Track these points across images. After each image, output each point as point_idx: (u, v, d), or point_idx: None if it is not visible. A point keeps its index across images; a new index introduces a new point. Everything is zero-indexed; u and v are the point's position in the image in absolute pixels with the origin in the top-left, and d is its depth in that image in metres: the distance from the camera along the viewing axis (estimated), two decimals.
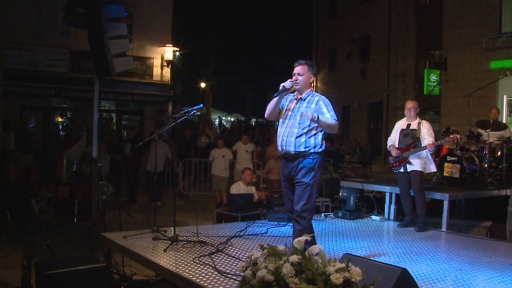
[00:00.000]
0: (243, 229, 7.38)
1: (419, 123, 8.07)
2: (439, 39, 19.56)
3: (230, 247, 6.27)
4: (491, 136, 10.04)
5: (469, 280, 5.15)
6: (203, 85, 37.34)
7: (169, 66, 18.37)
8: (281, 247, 4.05)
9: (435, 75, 19.00)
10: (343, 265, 3.69)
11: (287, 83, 5.59)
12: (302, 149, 5.48)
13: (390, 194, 9.25)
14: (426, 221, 8.04)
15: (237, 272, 5.03)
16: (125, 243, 6.23)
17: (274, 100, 5.64)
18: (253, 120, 44.11)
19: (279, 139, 5.64)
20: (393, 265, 4.21)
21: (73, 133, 19.47)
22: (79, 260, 5.63)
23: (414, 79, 22.18)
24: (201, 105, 6.82)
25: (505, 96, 18.06)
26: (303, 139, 5.49)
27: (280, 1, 41.02)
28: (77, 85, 17.56)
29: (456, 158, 9.82)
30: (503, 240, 7.88)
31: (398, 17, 22.92)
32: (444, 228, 8.11)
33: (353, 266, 3.69)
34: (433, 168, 8.20)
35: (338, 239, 7.13)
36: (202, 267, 5.22)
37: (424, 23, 21.52)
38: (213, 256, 5.68)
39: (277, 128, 5.90)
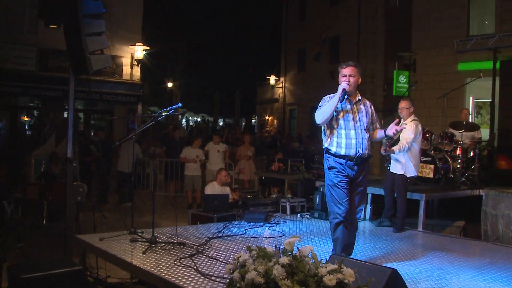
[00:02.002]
0: (221, 230, 7.29)
1: (405, 124, 7.98)
2: (408, 41, 19.72)
3: (210, 248, 6.19)
4: (463, 137, 10.14)
5: (452, 279, 5.19)
6: (170, 84, 37.11)
7: (139, 65, 18.10)
8: (269, 249, 3.98)
9: (404, 77, 19.11)
10: (336, 266, 3.64)
11: (345, 85, 5.44)
12: (368, 151, 5.57)
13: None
14: (404, 223, 8.06)
15: (220, 274, 4.96)
16: (102, 245, 6.08)
17: (335, 104, 5.40)
18: (220, 120, 44.06)
19: (351, 142, 5.47)
20: (382, 266, 4.18)
21: (41, 133, 19.06)
22: (55, 263, 5.47)
23: (383, 80, 22.34)
24: (180, 104, 6.71)
25: (471, 97, 18.36)
26: (368, 142, 5.59)
27: (249, 2, 40.99)
28: (45, 84, 17.17)
29: (430, 159, 9.88)
30: (478, 239, 7.95)
31: (367, 19, 23.07)
32: (420, 228, 8.16)
33: (345, 267, 3.64)
34: (411, 173, 8.12)
35: (317, 240, 7.09)
36: (184, 269, 5.12)
37: (393, 25, 21.68)
38: (194, 258, 5.59)
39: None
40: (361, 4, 23.53)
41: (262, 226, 7.92)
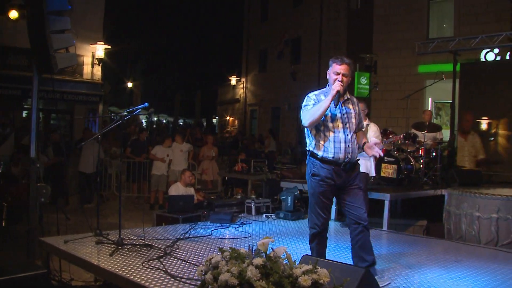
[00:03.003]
0: (187, 231, 7.22)
1: (367, 125, 8.14)
2: (369, 43, 19.99)
3: (178, 250, 6.11)
4: (426, 138, 10.32)
5: (420, 278, 5.24)
6: (130, 84, 36.70)
7: (100, 64, 17.78)
8: (242, 250, 3.95)
9: (365, 78, 19.34)
10: (310, 267, 3.63)
11: (339, 87, 4.93)
12: (357, 155, 5.18)
13: None
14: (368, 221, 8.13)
15: (190, 276, 4.90)
16: (68, 248, 5.93)
17: (326, 106, 4.90)
18: (181, 121, 43.79)
19: (341, 146, 5.00)
20: (355, 265, 4.20)
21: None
22: (18, 267, 5.34)
23: None
24: (146, 104, 6.61)
25: (430, 98, 18.73)
26: (356, 145, 5.17)
27: (211, 2, 40.88)
28: (4, 82, 16.70)
29: (393, 159, 10.00)
30: (441, 238, 8.08)
31: (329, 20, 23.27)
32: (385, 228, 8.25)
33: (319, 267, 3.63)
34: (374, 172, 8.32)
35: (284, 240, 7.08)
36: (153, 271, 5.04)
37: (355, 26, 21.91)
38: (162, 259, 5.51)
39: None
40: (323, 6, 23.71)
41: (228, 227, 7.88)
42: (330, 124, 5.03)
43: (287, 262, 3.77)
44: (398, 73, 18.92)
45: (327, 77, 5.20)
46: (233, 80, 32.40)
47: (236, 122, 32.58)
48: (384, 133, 10.32)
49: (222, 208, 9.14)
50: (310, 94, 5.20)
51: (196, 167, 14.73)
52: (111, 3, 19.98)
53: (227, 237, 7.22)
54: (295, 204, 9.07)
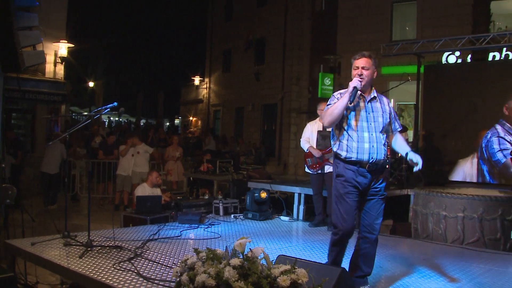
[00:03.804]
0: (156, 232, 7.15)
1: None
2: (333, 44, 20.17)
3: (148, 251, 6.03)
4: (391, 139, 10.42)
5: (391, 277, 5.29)
6: (91, 84, 36.17)
7: (63, 63, 17.42)
8: (219, 250, 3.92)
9: (329, 79, 19.51)
10: (289, 267, 3.62)
11: (356, 82, 4.66)
12: (384, 157, 4.81)
13: (299, 194, 9.37)
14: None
15: (163, 277, 4.85)
16: (35, 250, 5.78)
17: (344, 104, 4.62)
18: (143, 121, 43.39)
19: (364, 146, 4.69)
20: (331, 265, 4.21)
21: None
22: None
23: (308, 82, 22.69)
24: (115, 104, 6.48)
25: (393, 100, 18.96)
26: (386, 146, 4.82)
27: (175, 1, 40.62)
28: None
29: None
30: (408, 237, 8.18)
31: (293, 21, 23.36)
32: None
33: (297, 267, 3.63)
34: None
35: (255, 241, 7.05)
36: (124, 273, 4.96)
37: (319, 28, 22.08)
38: (133, 261, 5.43)
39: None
40: (287, 7, 23.80)
41: (197, 228, 7.84)
42: (354, 123, 4.74)
43: (264, 262, 3.76)
44: None
45: (352, 76, 4.86)
46: (197, 80, 32.26)
47: (200, 122, 32.45)
48: None
49: (189, 209, 9.08)
50: (335, 93, 4.97)
51: (161, 167, 14.60)
52: (72, 1, 19.57)
53: (196, 238, 7.17)
54: (257, 204, 9.06)
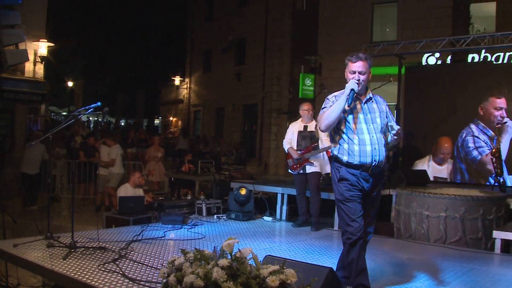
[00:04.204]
0: (139, 233, 7.10)
1: (316, 125, 8.26)
2: (314, 45, 20.23)
3: (132, 252, 5.99)
4: None
5: (376, 277, 5.30)
6: (70, 83, 35.89)
7: (43, 62, 17.21)
8: (206, 251, 3.91)
9: (310, 79, 19.56)
10: (277, 267, 3.63)
11: (354, 84, 4.56)
12: (385, 159, 4.72)
13: (282, 195, 9.39)
14: (320, 220, 8.26)
15: (148, 278, 4.82)
16: (18, 252, 5.70)
17: (341, 107, 4.51)
18: (123, 121, 43.13)
19: (366, 149, 4.58)
20: (318, 265, 4.23)
21: None
22: None
23: (289, 83, 22.72)
24: (99, 103, 6.43)
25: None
26: (385, 146, 4.71)
27: (155, 1, 40.41)
28: None
29: None
30: (391, 236, 8.24)
31: (274, 22, 23.36)
32: (336, 227, 8.34)
33: (286, 268, 3.64)
34: (328, 169, 8.42)
35: (240, 241, 7.05)
36: (110, 274, 4.92)
37: (300, 28, 22.12)
38: (118, 262, 5.39)
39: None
40: (268, 7, 23.81)
41: (181, 228, 7.81)
42: (353, 126, 4.62)
43: (252, 263, 3.76)
44: (343, 75, 19.13)
45: (346, 77, 4.76)
46: (177, 80, 32.12)
47: (180, 122, 32.32)
48: None
49: (172, 209, 9.07)
50: (330, 96, 4.83)
51: (142, 168, 14.52)
52: (52, 0, 19.34)
53: (180, 238, 7.14)
54: (239, 204, 9.06)
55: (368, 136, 4.59)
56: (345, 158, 4.62)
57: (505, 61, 13.44)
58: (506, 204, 7.85)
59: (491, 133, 10.52)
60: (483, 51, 13.65)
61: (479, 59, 14.08)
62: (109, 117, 43.26)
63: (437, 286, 5.08)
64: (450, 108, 11.48)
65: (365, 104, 4.70)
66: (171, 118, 33.44)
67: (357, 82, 4.58)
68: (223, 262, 3.64)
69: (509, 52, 13.25)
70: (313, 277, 3.81)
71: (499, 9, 15.99)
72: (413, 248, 7.14)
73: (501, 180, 9.22)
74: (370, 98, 4.75)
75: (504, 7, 15.74)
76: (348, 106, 4.53)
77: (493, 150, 9.33)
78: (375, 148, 4.57)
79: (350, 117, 4.63)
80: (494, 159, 9.19)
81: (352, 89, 4.52)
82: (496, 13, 16.08)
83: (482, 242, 7.28)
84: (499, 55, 13.58)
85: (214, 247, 3.91)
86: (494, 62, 13.80)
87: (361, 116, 4.64)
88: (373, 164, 4.57)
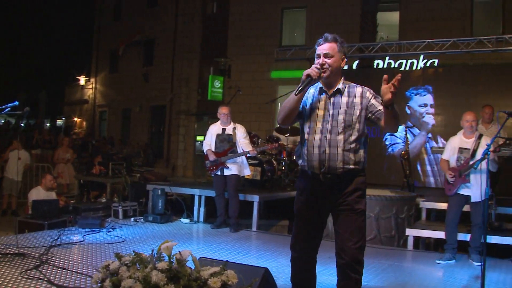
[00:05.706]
0: (57, 238, 6.92)
1: (234, 128, 8.40)
2: (224, 47, 20.37)
3: (54, 257, 5.84)
4: (288, 141, 10.78)
5: None
6: None
7: None
8: (143, 255, 3.91)
9: (219, 82, 19.71)
10: (218, 268, 3.68)
11: (312, 71, 3.66)
12: (351, 165, 3.78)
13: (199, 197, 9.44)
14: (238, 221, 8.40)
15: (76, 284, 4.75)
16: None
17: (295, 97, 3.69)
18: (23, 122, 41.35)
19: (314, 151, 3.80)
20: (253, 266, 4.33)
21: None
22: None
23: (198, 85, 22.74)
24: (16, 103, 6.20)
25: (280, 104, 19.54)
26: (352, 151, 3.78)
27: None
28: None
29: (257, 161, 10.32)
30: None
31: (184, 24, 23.28)
32: (254, 228, 8.53)
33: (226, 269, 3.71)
34: (247, 172, 8.60)
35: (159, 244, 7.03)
36: (35, 282, 4.78)
37: (210, 30, 22.19)
38: (41, 268, 5.24)
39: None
40: (178, 9, 23.71)
41: (99, 232, 7.69)
42: (311, 124, 3.88)
43: (191, 265, 3.79)
44: (251, 78, 19.49)
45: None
46: (82, 80, 31.23)
47: (84, 123, 31.48)
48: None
49: (88, 213, 8.87)
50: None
51: (51, 170, 14.06)
52: None
53: (101, 242, 7.02)
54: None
55: (319, 136, 3.81)
56: (299, 162, 4.01)
57: (407, 68, 14.12)
58: (416, 204, 8.34)
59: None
60: (387, 57, 14.31)
61: (383, 65, 14.73)
62: (8, 117, 41.46)
63: None
64: None
65: (330, 98, 3.86)
66: (75, 119, 32.49)
67: (318, 67, 3.71)
68: (162, 265, 3.64)
69: (410, 59, 13.96)
70: (249, 277, 3.90)
71: (402, 18, 16.81)
72: (331, 247, 7.36)
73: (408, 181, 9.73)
74: (338, 90, 3.85)
75: (406, 16, 16.57)
76: (296, 94, 3.65)
77: (402, 153, 9.83)
78: (323, 152, 3.77)
79: (311, 114, 3.88)
80: (403, 161, 9.69)
81: (308, 75, 3.65)
82: (399, 22, 16.89)
83: (395, 240, 7.68)
84: (402, 62, 14.27)
85: (152, 250, 3.90)
86: (398, 68, 14.50)
87: (320, 112, 3.85)
88: (322, 170, 3.78)
